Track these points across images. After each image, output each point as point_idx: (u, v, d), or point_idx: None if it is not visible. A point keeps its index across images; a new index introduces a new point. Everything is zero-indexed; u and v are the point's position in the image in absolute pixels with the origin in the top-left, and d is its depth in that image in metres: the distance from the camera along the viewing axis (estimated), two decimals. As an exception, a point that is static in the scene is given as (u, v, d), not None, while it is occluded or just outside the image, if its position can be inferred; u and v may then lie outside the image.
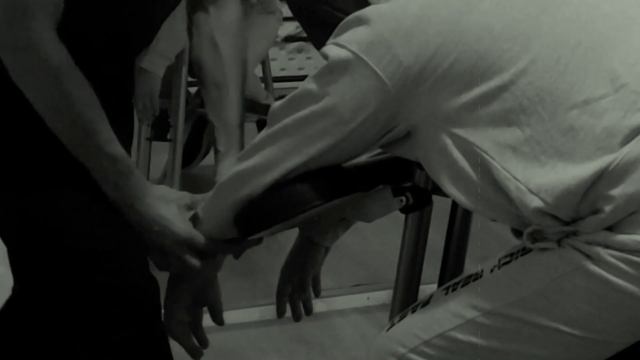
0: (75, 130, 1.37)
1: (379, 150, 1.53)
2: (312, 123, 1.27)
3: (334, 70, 1.25)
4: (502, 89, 1.19)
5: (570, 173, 1.15)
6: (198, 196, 1.48)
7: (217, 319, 1.61)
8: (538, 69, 1.18)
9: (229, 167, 1.49)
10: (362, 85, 1.24)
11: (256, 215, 1.35)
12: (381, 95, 1.24)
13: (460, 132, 1.22)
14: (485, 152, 1.20)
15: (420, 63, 1.21)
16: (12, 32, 1.32)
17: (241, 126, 1.58)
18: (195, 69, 1.63)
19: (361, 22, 1.25)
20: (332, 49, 1.26)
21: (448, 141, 1.23)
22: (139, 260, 1.48)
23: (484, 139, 1.20)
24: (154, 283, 1.47)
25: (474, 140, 1.21)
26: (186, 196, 1.49)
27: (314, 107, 1.26)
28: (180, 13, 3.44)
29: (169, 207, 1.44)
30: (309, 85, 1.27)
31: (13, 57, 1.34)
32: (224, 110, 1.57)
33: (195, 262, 1.45)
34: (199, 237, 1.44)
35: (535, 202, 1.17)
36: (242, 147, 1.57)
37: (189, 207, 1.46)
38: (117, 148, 1.40)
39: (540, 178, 1.17)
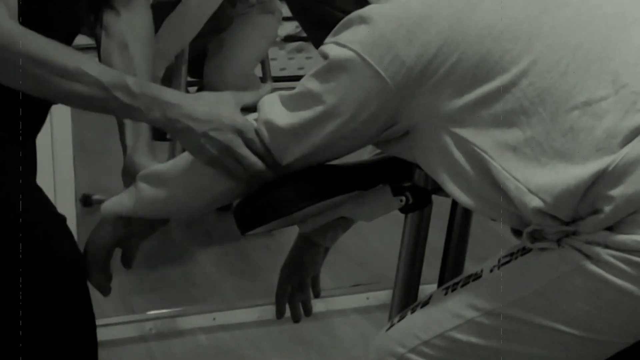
0: (61, 80, 1.34)
1: (379, 150, 1.53)
2: (312, 122, 1.27)
3: (334, 70, 1.25)
4: (503, 89, 1.19)
5: (570, 173, 1.15)
6: (245, 94, 1.38)
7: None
8: (539, 70, 1.18)
9: (140, 160, 1.50)
10: (364, 85, 1.24)
11: (255, 211, 1.35)
12: (383, 94, 1.23)
13: (461, 132, 1.21)
14: (486, 152, 1.20)
15: (423, 63, 1.21)
16: None
17: (148, 126, 1.56)
18: None
19: (362, 21, 1.25)
20: (332, 48, 1.26)
21: (449, 141, 1.23)
22: (61, 231, 1.51)
23: (485, 139, 1.20)
24: (76, 255, 1.51)
25: (474, 140, 1.21)
26: (229, 94, 1.39)
27: (313, 106, 1.26)
28: (179, 15, 3.46)
29: (211, 105, 1.35)
30: (309, 84, 1.27)
31: None
32: None
33: (252, 157, 1.32)
34: (251, 128, 1.33)
35: (535, 202, 1.17)
36: (148, 143, 1.55)
37: (238, 104, 1.36)
38: (114, 74, 1.36)
39: (540, 178, 1.17)
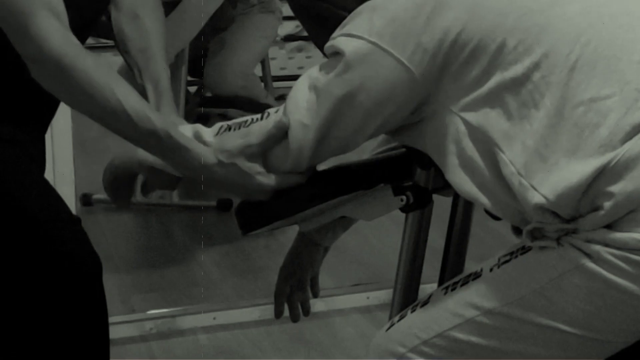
0: (100, 111, 1.35)
1: (381, 149, 1.53)
2: (338, 126, 1.26)
3: (353, 65, 1.23)
4: (516, 82, 1.19)
5: (572, 170, 1.15)
6: (253, 146, 1.35)
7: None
8: (550, 64, 1.18)
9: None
10: (388, 76, 1.22)
11: (256, 213, 1.35)
12: (409, 84, 1.22)
13: (474, 120, 1.21)
14: (496, 144, 1.20)
15: (444, 49, 1.21)
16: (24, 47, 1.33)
17: (169, 83, 1.59)
18: (118, 42, 1.64)
19: (375, 10, 1.23)
20: (347, 42, 1.24)
21: (462, 128, 1.22)
22: (77, 231, 1.55)
23: (496, 130, 1.20)
24: (92, 254, 1.55)
25: (486, 129, 1.20)
26: (238, 149, 1.36)
27: (338, 110, 1.24)
28: (179, 15, 3.47)
29: (234, 170, 1.33)
30: (329, 87, 1.24)
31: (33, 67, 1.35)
32: (151, 69, 1.58)
33: (267, 180, 1.33)
34: (271, 184, 1.32)
35: (537, 199, 1.17)
36: (171, 101, 1.57)
37: (252, 158, 1.34)
38: (150, 121, 1.34)
39: (542, 174, 1.17)
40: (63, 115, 2.40)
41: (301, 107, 1.28)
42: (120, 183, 1.49)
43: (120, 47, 1.64)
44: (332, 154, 1.30)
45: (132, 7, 1.63)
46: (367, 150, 1.54)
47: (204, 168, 1.33)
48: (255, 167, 1.32)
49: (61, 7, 1.35)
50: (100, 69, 1.35)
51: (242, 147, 1.32)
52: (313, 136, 1.27)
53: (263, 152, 1.31)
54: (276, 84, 4.19)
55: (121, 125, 1.34)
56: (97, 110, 1.35)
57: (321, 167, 1.35)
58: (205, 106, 3.73)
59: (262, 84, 3.91)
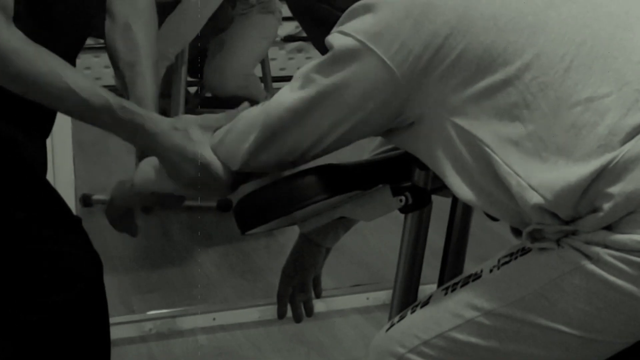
0: (49, 97, 1.39)
1: (380, 150, 1.53)
2: (318, 112, 1.26)
3: (339, 60, 1.24)
4: (506, 82, 1.19)
5: (571, 170, 1.15)
6: (214, 116, 1.42)
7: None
8: (543, 64, 1.18)
9: None
10: (370, 74, 1.23)
11: (254, 210, 1.35)
12: (390, 84, 1.23)
13: (464, 124, 1.21)
14: (488, 146, 1.20)
15: (430, 52, 1.21)
16: None
17: (155, 101, 1.60)
18: (109, 54, 1.65)
19: (368, 10, 1.24)
20: (337, 38, 1.25)
21: (453, 133, 1.22)
22: (78, 231, 1.57)
23: (487, 132, 1.20)
24: (93, 254, 1.58)
25: (477, 133, 1.20)
26: (198, 119, 1.42)
27: (318, 97, 1.26)
28: (179, 15, 3.46)
29: (182, 135, 1.39)
30: (313, 74, 1.26)
31: None
32: (138, 86, 1.58)
33: (212, 192, 1.40)
34: (218, 165, 1.37)
35: (535, 199, 1.17)
36: None
37: (207, 129, 1.40)
38: (102, 97, 1.38)
39: (541, 174, 1.17)
40: (63, 117, 2.40)
41: (283, 90, 1.30)
42: (125, 217, 1.56)
43: (110, 59, 1.64)
44: (306, 147, 1.30)
45: (125, 18, 1.62)
46: (366, 150, 1.54)
47: (159, 134, 1.38)
48: (205, 138, 1.37)
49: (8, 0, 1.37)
50: (44, 56, 1.38)
51: (202, 117, 1.40)
52: (286, 113, 1.28)
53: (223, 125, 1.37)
54: (276, 85, 4.18)
55: (73, 105, 1.38)
56: (46, 95, 1.38)
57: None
58: (205, 107, 3.73)
59: (262, 85, 3.91)
